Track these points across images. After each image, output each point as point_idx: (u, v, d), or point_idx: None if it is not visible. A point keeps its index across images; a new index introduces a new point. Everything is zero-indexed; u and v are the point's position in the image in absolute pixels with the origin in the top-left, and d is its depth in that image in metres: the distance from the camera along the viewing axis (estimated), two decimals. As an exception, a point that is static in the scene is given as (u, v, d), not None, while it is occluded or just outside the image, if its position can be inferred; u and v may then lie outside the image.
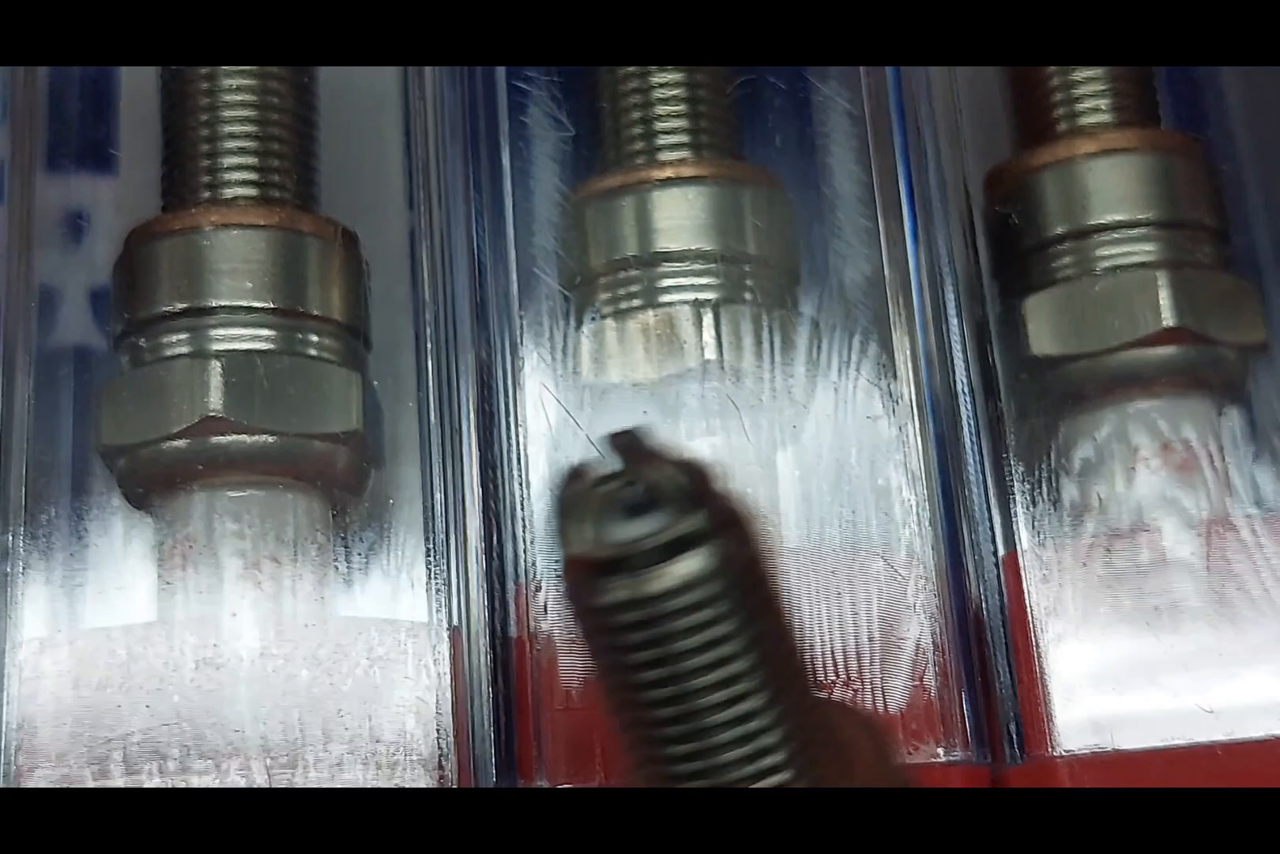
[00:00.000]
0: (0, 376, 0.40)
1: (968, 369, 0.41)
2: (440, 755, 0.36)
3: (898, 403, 0.40)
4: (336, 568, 0.39)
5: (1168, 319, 0.39)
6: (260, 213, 0.39)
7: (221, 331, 0.38)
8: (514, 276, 0.41)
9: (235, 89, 0.40)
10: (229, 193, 0.40)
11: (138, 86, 0.43)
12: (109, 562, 0.39)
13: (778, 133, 0.43)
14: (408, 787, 0.36)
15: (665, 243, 0.40)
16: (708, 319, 0.39)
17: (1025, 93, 0.43)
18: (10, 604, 0.38)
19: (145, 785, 0.35)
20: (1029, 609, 0.38)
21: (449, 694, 0.37)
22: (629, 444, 0.27)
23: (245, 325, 0.38)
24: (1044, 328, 0.40)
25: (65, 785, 0.35)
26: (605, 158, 0.42)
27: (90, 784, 0.35)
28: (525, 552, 0.39)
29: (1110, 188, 0.41)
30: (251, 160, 0.40)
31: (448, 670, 0.37)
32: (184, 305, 0.38)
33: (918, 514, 0.39)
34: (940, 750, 0.37)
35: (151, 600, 0.38)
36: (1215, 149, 0.43)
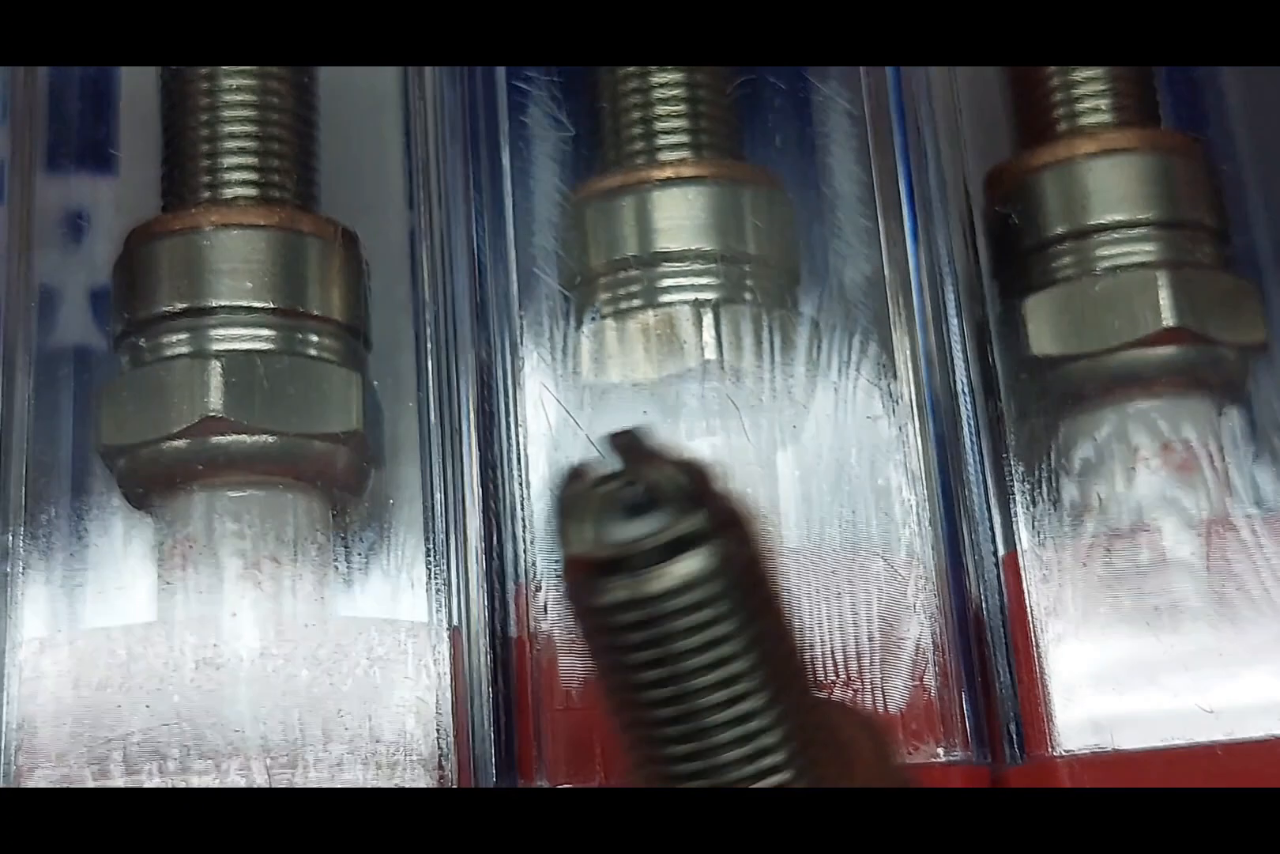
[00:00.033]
0: (0, 376, 0.40)
1: (968, 369, 0.41)
2: (440, 755, 0.36)
3: (898, 403, 0.40)
4: (336, 568, 0.39)
5: (1168, 319, 0.39)
6: (260, 213, 0.39)
7: (221, 332, 0.38)
8: (514, 276, 0.41)
9: (235, 89, 0.40)
10: (229, 193, 0.40)
11: (138, 86, 0.43)
12: (109, 562, 0.39)
13: (778, 133, 0.43)
14: (408, 787, 0.36)
15: (665, 243, 0.40)
16: (708, 319, 0.39)
17: (1025, 93, 0.43)
18: (10, 604, 0.38)
19: (145, 785, 0.35)
20: (1029, 609, 0.38)
21: (449, 694, 0.37)
22: (629, 444, 0.27)
23: (245, 325, 0.38)
24: (1044, 328, 0.40)
25: (65, 785, 0.35)
26: (605, 158, 0.42)
27: (90, 784, 0.35)
28: (525, 551, 0.39)
29: (1110, 188, 0.41)
30: (251, 160, 0.40)
31: (448, 670, 0.37)
32: (184, 305, 0.38)
33: (918, 514, 0.39)
34: (940, 750, 0.37)
35: (151, 600, 0.38)
36: (1215, 149, 0.43)
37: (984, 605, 0.39)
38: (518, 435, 0.40)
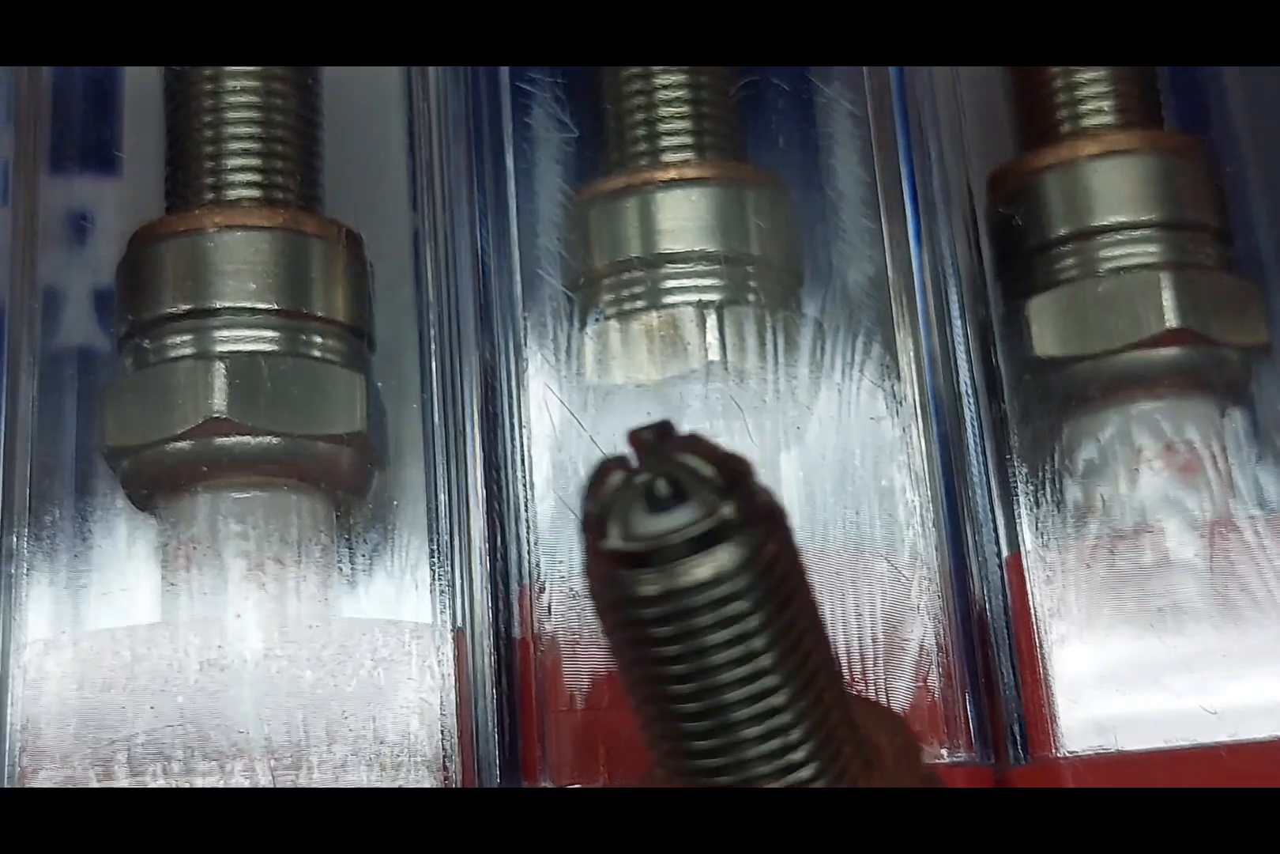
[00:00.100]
0: (4, 378, 0.40)
1: (971, 370, 0.41)
2: (444, 757, 0.36)
3: (901, 404, 0.40)
4: (340, 569, 0.39)
5: (1171, 320, 0.39)
6: (264, 214, 0.39)
7: (225, 333, 0.38)
8: (518, 278, 0.41)
9: (239, 90, 0.40)
10: (233, 194, 0.40)
11: (141, 87, 0.43)
12: (113, 563, 0.39)
13: (781, 134, 0.43)
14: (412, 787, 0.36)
15: (669, 244, 0.40)
16: (711, 320, 0.39)
17: (1028, 94, 0.43)
18: (14, 605, 0.38)
19: (149, 786, 0.35)
20: (1032, 610, 0.38)
21: (453, 695, 0.37)
22: (658, 437, 0.26)
23: (249, 327, 0.38)
24: (1047, 329, 0.40)
25: (70, 787, 0.35)
26: (609, 159, 0.42)
27: (94, 785, 0.35)
28: (529, 553, 0.39)
29: (1113, 189, 0.41)
30: (255, 161, 0.40)
31: (452, 671, 0.37)
32: (188, 306, 0.38)
33: (921, 515, 0.39)
34: (944, 751, 0.37)
35: (156, 602, 0.38)
36: (1218, 150, 0.43)
37: (988, 606, 0.39)
38: (521, 436, 0.40)
